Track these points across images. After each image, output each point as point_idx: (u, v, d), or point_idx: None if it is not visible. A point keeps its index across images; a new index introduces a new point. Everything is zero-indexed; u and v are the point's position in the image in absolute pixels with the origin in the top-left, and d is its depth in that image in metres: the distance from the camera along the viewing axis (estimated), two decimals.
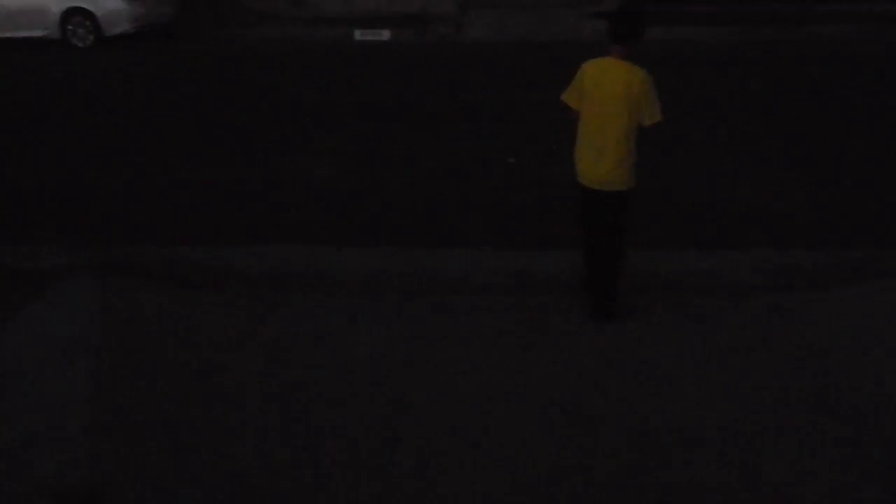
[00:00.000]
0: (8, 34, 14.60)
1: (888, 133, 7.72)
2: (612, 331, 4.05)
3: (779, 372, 3.64)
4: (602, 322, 4.12)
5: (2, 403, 3.45)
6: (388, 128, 8.40)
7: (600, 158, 3.95)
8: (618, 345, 3.93)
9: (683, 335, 4.02)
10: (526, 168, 6.89)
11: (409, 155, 7.38)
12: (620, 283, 4.16)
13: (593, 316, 4.17)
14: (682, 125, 6.77)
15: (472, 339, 3.99)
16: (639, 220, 5.48)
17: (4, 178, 6.82)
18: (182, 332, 4.11)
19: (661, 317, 4.21)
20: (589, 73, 3.98)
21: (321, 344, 3.98)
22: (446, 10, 18.09)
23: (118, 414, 3.37)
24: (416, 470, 3.04)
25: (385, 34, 16.00)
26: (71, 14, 14.56)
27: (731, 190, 6.15)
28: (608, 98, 3.88)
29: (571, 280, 4.50)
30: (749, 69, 10.94)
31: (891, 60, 11.98)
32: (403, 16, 17.30)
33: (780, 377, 3.60)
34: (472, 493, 2.92)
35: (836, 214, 5.69)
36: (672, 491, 2.92)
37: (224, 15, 17.48)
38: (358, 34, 16.02)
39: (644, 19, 3.93)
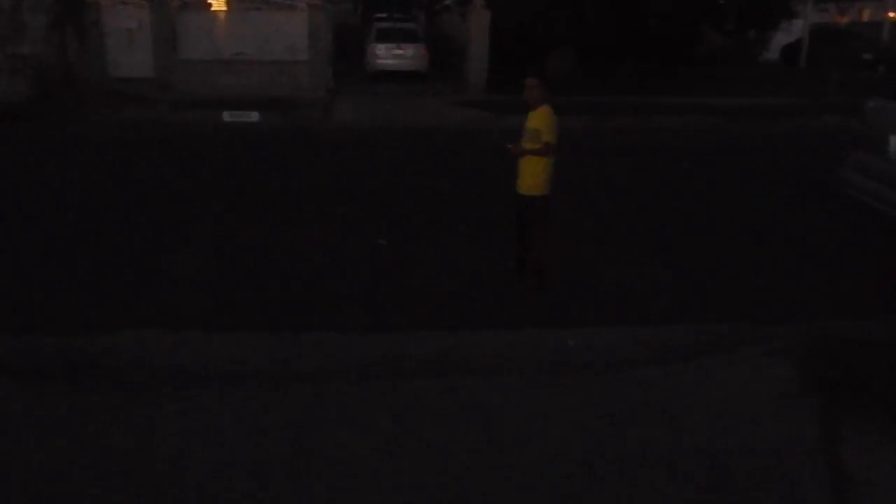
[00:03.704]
0: None
1: (728, 215, 8.37)
2: (492, 405, 4.08)
3: (635, 435, 3.82)
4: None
5: None
6: (256, 211, 8.28)
7: None
8: (483, 421, 3.95)
9: (552, 405, 4.10)
10: (396, 250, 6.96)
11: (278, 237, 7.28)
12: None
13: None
14: None
15: (344, 428, 3.89)
16: (513, 299, 5.69)
17: None
18: (28, 427, 3.78)
19: (528, 390, 4.33)
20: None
21: (185, 436, 3.76)
22: (316, 96, 18.35)
23: None
24: None
25: (254, 116, 15.97)
26: None
27: (596, 270, 6.43)
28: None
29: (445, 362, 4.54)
30: (600, 155, 11.68)
31: (727, 149, 13.14)
32: (273, 98, 17.37)
33: (635, 439, 3.79)
34: None
35: (691, 292, 6.04)
36: None
37: (88, 97, 16.90)
38: (227, 116, 15.90)
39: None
